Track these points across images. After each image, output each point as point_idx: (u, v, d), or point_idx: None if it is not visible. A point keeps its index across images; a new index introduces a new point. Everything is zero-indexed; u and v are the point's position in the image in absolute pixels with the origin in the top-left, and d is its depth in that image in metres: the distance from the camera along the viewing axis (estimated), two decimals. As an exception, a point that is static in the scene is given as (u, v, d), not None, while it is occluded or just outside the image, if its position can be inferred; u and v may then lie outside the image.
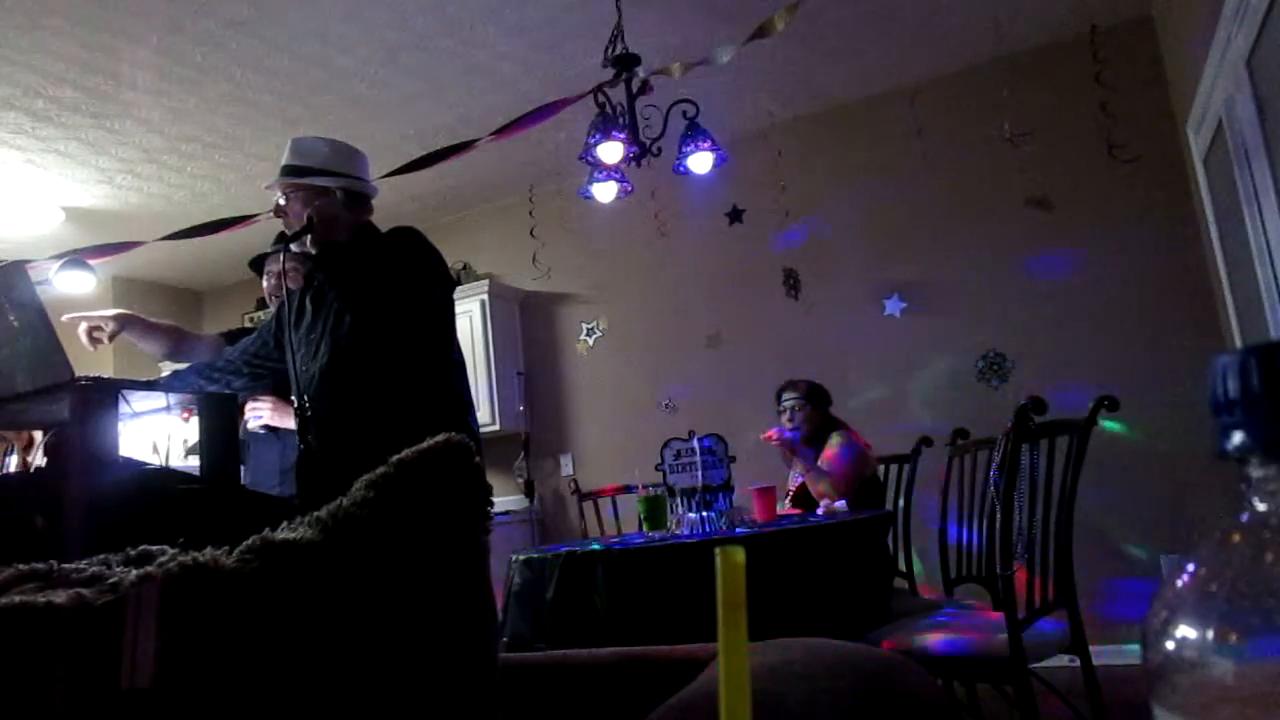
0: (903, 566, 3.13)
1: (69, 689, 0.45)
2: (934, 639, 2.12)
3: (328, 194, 2.34)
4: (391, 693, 0.55)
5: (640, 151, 3.15)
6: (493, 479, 0.66)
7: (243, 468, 3.02)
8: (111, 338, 2.42)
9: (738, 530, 2.47)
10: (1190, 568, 0.31)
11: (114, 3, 3.21)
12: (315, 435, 2.29)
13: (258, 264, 3.05)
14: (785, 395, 3.58)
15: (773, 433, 3.46)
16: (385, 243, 2.37)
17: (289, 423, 2.59)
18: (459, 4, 3.46)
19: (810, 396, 3.52)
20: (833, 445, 3.35)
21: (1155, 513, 3.84)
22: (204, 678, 0.49)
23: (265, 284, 3.02)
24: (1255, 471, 0.30)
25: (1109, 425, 3.73)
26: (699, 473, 2.67)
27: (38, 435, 2.00)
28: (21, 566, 0.56)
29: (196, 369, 2.56)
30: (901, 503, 3.25)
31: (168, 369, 5.85)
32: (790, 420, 3.51)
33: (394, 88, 4.04)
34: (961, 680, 2.53)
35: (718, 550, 0.29)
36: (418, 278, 2.32)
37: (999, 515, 2.01)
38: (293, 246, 2.31)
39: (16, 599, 0.48)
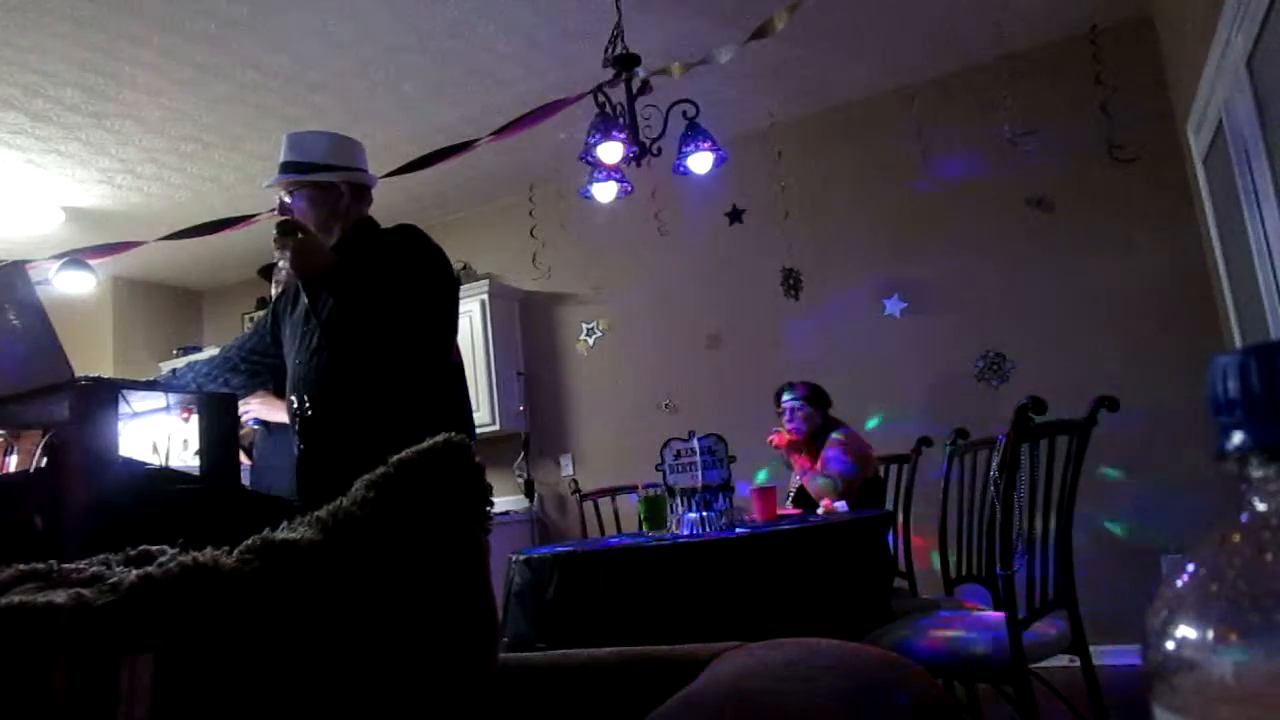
0: (903, 566, 3.12)
1: (69, 689, 0.45)
2: (934, 639, 2.12)
3: (333, 189, 2.32)
4: (391, 692, 0.55)
5: (640, 151, 3.14)
6: (493, 479, 0.66)
7: (250, 465, 3.01)
8: None
9: (737, 530, 2.46)
10: (1190, 568, 0.31)
11: (114, 3, 3.21)
12: (312, 435, 2.28)
13: (266, 271, 3.04)
14: (785, 396, 3.59)
15: (779, 437, 3.47)
16: (386, 240, 2.33)
17: (278, 415, 2.58)
18: (459, 4, 3.45)
19: (810, 398, 3.52)
20: (833, 446, 3.35)
21: (1155, 513, 3.84)
22: (204, 677, 0.49)
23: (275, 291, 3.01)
24: (1255, 471, 0.30)
25: (1108, 425, 3.72)
26: (699, 473, 2.66)
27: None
28: (21, 566, 0.56)
29: (195, 367, 2.55)
30: (901, 503, 3.25)
31: (167, 369, 5.87)
32: (789, 421, 3.51)
33: (394, 88, 4.03)
34: (961, 680, 2.53)
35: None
36: (417, 276, 2.29)
37: (999, 515, 2.01)
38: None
39: (16, 599, 0.48)
